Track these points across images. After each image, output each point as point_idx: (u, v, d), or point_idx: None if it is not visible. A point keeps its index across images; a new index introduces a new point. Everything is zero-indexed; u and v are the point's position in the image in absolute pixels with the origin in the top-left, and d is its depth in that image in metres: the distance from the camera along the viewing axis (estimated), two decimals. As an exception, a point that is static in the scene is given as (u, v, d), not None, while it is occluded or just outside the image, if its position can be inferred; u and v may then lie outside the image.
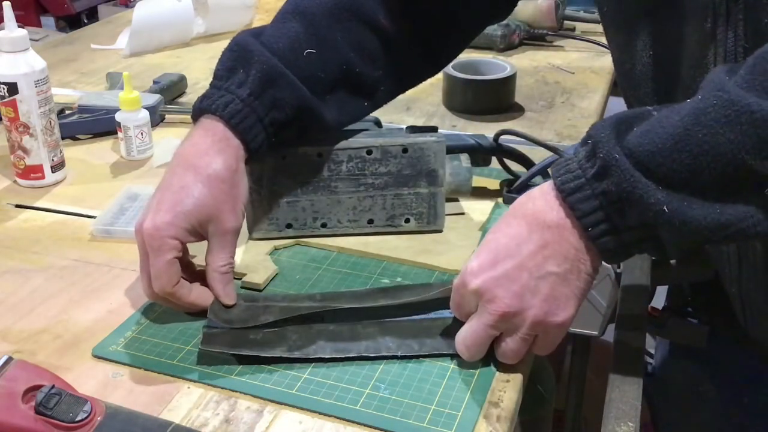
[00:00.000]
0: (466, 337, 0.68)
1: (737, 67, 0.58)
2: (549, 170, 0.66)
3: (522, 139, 0.98)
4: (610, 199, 0.60)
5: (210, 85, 0.79)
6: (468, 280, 0.67)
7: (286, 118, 0.78)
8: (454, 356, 0.71)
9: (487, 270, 0.65)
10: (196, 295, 0.74)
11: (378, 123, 0.94)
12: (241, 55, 0.78)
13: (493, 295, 0.65)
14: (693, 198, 0.57)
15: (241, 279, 0.81)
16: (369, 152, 0.85)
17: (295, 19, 0.81)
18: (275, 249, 0.87)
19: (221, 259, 0.74)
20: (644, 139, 0.58)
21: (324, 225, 0.88)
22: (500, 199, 0.97)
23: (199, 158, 0.74)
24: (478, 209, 0.93)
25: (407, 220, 0.89)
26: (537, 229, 0.64)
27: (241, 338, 0.72)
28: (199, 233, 0.74)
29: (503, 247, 0.66)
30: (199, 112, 0.78)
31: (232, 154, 0.75)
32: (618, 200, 0.59)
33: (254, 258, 0.85)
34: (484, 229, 0.91)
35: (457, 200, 0.93)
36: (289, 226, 0.88)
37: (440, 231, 0.89)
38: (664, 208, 0.57)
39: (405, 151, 0.86)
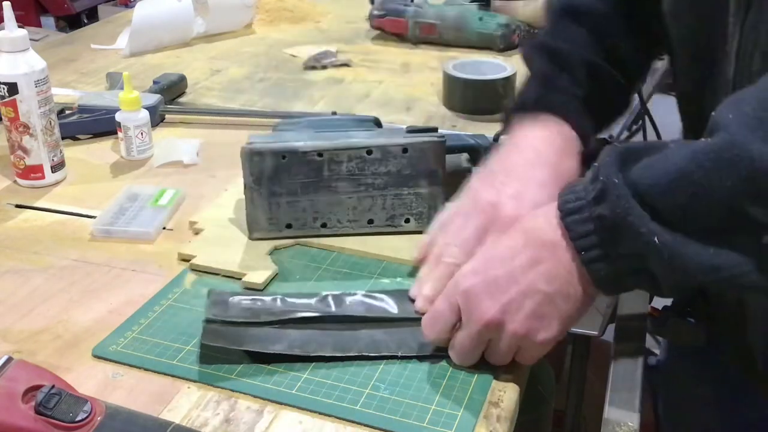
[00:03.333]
0: (455, 348, 0.69)
1: (745, 98, 0.56)
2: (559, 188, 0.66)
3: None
4: (605, 224, 0.59)
5: (535, 83, 0.83)
6: (460, 281, 0.67)
7: (610, 103, 0.84)
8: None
9: (480, 274, 0.66)
10: None
11: (378, 123, 0.94)
12: (556, 56, 0.82)
13: (479, 301, 0.65)
14: (687, 237, 0.56)
15: (240, 279, 0.81)
16: (369, 152, 0.85)
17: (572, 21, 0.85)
18: (275, 249, 0.87)
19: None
20: (647, 170, 0.57)
21: (324, 225, 0.88)
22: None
23: (557, 158, 0.78)
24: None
25: (407, 220, 0.89)
26: (532, 245, 0.64)
27: (242, 334, 0.72)
28: None
29: (498, 256, 0.66)
30: (534, 107, 0.81)
31: (577, 157, 0.79)
32: (612, 226, 0.59)
33: (254, 258, 0.85)
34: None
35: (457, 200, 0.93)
36: (289, 226, 0.88)
37: None
38: (656, 239, 0.56)
39: (405, 151, 0.86)
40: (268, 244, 0.87)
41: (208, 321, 0.72)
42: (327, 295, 0.77)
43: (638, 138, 2.58)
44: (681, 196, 0.55)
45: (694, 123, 0.78)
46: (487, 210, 0.76)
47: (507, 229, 0.68)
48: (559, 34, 0.84)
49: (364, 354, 0.71)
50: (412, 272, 0.83)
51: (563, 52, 0.82)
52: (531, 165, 0.77)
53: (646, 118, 2.21)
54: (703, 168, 0.54)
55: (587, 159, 0.80)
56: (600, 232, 0.60)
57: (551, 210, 0.64)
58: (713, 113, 0.57)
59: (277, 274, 0.83)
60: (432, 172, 0.87)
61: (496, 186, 0.77)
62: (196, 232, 0.90)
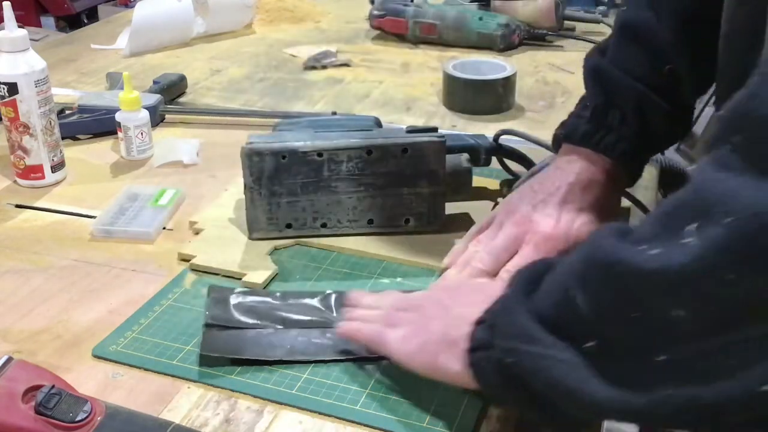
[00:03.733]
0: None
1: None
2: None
3: (522, 139, 0.98)
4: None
5: (587, 115, 0.82)
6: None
7: (661, 138, 0.84)
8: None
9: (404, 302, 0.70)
10: None
11: (378, 123, 0.94)
12: (608, 86, 0.81)
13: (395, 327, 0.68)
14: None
15: (240, 279, 0.81)
16: (369, 152, 0.85)
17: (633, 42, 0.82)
18: (275, 249, 0.87)
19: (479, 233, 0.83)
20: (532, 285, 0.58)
21: (324, 225, 0.88)
22: (501, 199, 0.97)
23: (599, 191, 0.80)
24: (478, 209, 0.93)
25: (407, 221, 0.89)
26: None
27: (242, 338, 0.72)
28: None
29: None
30: (581, 142, 0.82)
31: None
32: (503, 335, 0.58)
33: (254, 258, 0.85)
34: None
35: (457, 200, 0.93)
36: (288, 226, 0.88)
37: (440, 231, 0.89)
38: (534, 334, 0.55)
39: (405, 151, 0.86)
40: (268, 244, 0.87)
41: (207, 325, 0.72)
42: (330, 294, 0.77)
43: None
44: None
45: None
46: (521, 223, 0.78)
47: (543, 245, 0.70)
48: (616, 56, 0.82)
49: (364, 355, 0.71)
50: (413, 272, 0.83)
51: (616, 82, 0.80)
52: (572, 191, 0.79)
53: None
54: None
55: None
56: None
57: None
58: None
59: (277, 274, 0.83)
60: (432, 172, 0.87)
61: (535, 203, 0.79)
62: (196, 232, 0.90)
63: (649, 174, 1.00)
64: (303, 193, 0.86)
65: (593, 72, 0.83)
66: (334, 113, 1.20)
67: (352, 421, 0.64)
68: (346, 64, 1.46)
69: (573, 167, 0.81)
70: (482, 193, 0.97)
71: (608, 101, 0.81)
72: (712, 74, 0.82)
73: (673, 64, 0.79)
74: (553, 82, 1.38)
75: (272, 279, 0.82)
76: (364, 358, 0.71)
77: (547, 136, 0.92)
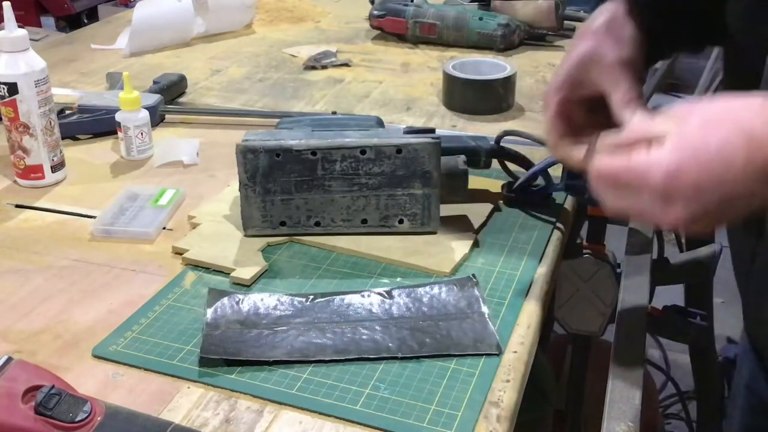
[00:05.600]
0: (615, 205, 0.63)
1: None
2: None
3: (521, 139, 0.98)
4: None
5: None
6: (657, 176, 0.59)
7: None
8: (454, 356, 0.71)
9: (684, 178, 0.58)
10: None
11: (380, 123, 0.94)
12: None
13: (674, 206, 0.59)
14: None
15: (229, 275, 0.82)
16: (363, 152, 0.85)
17: None
18: (268, 246, 0.87)
19: (617, 93, 0.71)
20: None
21: (318, 224, 0.88)
22: (500, 202, 0.97)
23: (584, 25, 0.75)
24: (476, 212, 0.93)
25: (401, 221, 0.89)
26: (756, 161, 0.56)
27: (240, 340, 0.72)
28: (587, 82, 0.73)
29: (711, 164, 0.57)
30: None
31: (611, 8, 0.74)
32: None
33: (245, 254, 0.85)
34: (480, 232, 0.91)
35: (454, 202, 0.93)
36: (282, 223, 0.88)
37: (434, 233, 0.89)
38: None
39: (399, 151, 0.86)
40: (261, 241, 0.87)
41: (206, 332, 0.72)
42: (331, 299, 0.78)
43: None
44: None
45: None
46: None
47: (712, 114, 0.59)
48: None
49: (364, 356, 0.71)
50: (414, 273, 0.83)
51: None
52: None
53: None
54: None
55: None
56: None
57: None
58: None
59: (266, 270, 0.83)
60: (426, 174, 0.87)
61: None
62: (193, 226, 0.90)
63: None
64: (297, 192, 0.86)
65: None
66: (334, 113, 1.20)
67: (352, 421, 0.64)
68: (346, 64, 1.46)
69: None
70: (482, 195, 0.97)
71: None
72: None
73: None
74: (553, 82, 1.38)
75: (261, 275, 0.82)
76: (365, 358, 0.71)
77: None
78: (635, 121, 0.65)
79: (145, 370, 0.69)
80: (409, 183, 0.87)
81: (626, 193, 0.61)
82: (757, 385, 0.84)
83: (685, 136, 0.58)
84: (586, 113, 0.75)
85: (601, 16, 0.75)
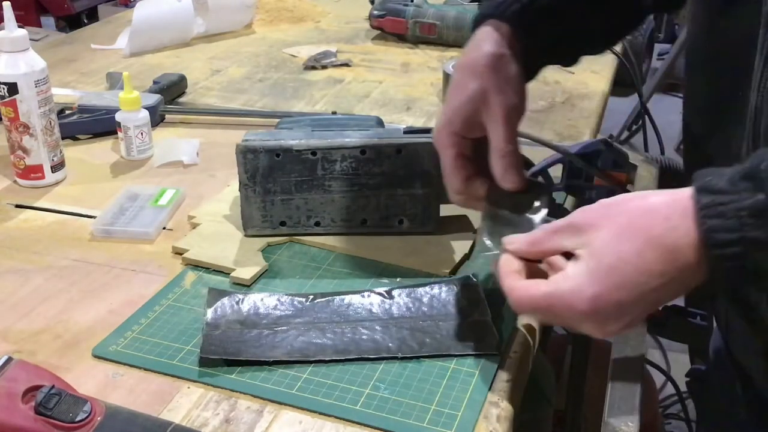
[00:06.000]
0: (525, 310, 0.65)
1: None
2: (693, 184, 0.57)
3: (521, 139, 0.98)
4: (759, 248, 0.53)
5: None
6: (581, 304, 0.59)
7: (560, 17, 0.77)
8: (454, 356, 0.71)
9: (606, 300, 0.59)
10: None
11: (381, 123, 0.94)
12: None
13: (605, 325, 0.60)
14: None
15: (229, 275, 0.82)
16: (363, 152, 0.85)
17: None
18: (268, 245, 0.87)
19: (498, 142, 0.73)
20: None
21: (318, 224, 0.88)
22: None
23: (468, 54, 0.75)
24: (477, 212, 0.93)
25: (401, 221, 0.89)
26: (671, 270, 0.57)
27: (240, 340, 0.72)
28: (476, 124, 0.74)
29: (629, 281, 0.58)
30: (476, 22, 0.78)
31: (498, 39, 0.75)
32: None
33: (245, 254, 0.85)
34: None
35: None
36: (282, 223, 0.88)
37: (434, 233, 0.89)
38: None
39: (399, 151, 0.86)
40: (261, 241, 0.87)
41: (206, 333, 0.72)
42: (331, 299, 0.78)
43: (638, 137, 2.58)
44: None
45: (701, 118, 0.77)
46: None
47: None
48: None
49: (364, 356, 0.71)
50: (414, 273, 0.83)
51: None
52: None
53: (646, 117, 2.22)
54: None
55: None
56: (756, 277, 0.54)
57: (693, 229, 0.55)
58: None
59: (266, 270, 0.83)
60: (426, 174, 0.86)
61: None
62: (193, 226, 0.90)
63: (649, 173, 1.00)
64: (297, 192, 0.86)
65: None
66: (334, 113, 1.20)
67: (352, 421, 0.64)
68: (346, 64, 1.46)
69: (465, 52, 0.77)
70: (482, 194, 0.97)
71: None
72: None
73: None
74: (553, 82, 1.38)
75: (261, 275, 0.82)
76: (365, 358, 0.71)
77: (547, 136, 0.92)
78: (540, 235, 0.64)
79: (145, 370, 0.69)
80: (409, 183, 0.87)
81: (551, 316, 0.63)
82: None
83: (599, 254, 0.59)
84: (472, 154, 0.75)
85: (485, 44, 0.75)
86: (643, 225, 0.58)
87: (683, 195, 0.56)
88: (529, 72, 0.79)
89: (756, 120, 0.64)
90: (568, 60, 0.86)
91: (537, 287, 0.62)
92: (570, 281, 0.60)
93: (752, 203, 0.53)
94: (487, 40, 0.75)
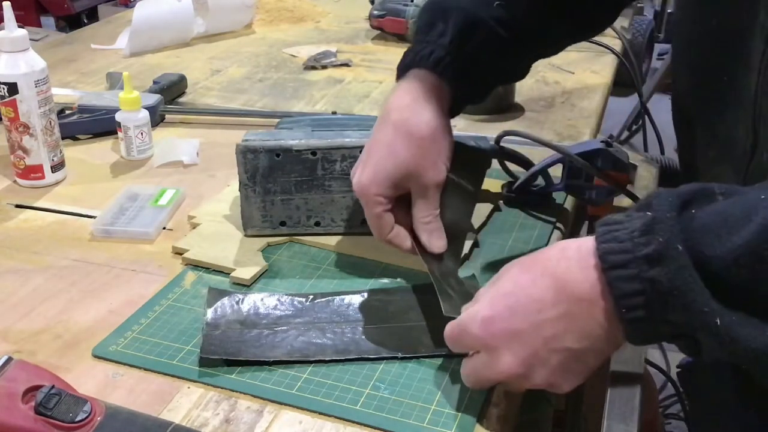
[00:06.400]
0: (469, 377, 0.65)
1: None
2: (596, 228, 0.58)
3: (521, 139, 0.98)
4: (658, 290, 0.53)
5: (413, 42, 0.82)
6: (474, 327, 0.62)
7: (488, 61, 0.80)
8: (454, 356, 0.71)
9: (499, 324, 0.61)
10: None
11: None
12: (438, 9, 0.80)
13: (499, 354, 0.61)
14: (747, 317, 0.51)
15: (229, 275, 0.82)
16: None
17: None
18: (268, 245, 0.87)
19: (423, 212, 0.77)
20: (709, 238, 0.52)
21: (318, 224, 0.88)
22: (501, 202, 0.97)
23: (403, 113, 0.77)
24: (476, 212, 0.93)
25: None
26: (564, 299, 0.58)
27: (240, 340, 0.72)
28: (403, 187, 0.77)
29: (522, 307, 0.60)
30: (404, 69, 0.80)
31: (437, 107, 0.77)
32: (666, 293, 0.53)
33: (245, 254, 0.85)
34: (480, 231, 0.91)
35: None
36: (282, 223, 0.88)
37: None
38: (717, 320, 0.51)
39: None
40: (261, 241, 0.87)
41: (206, 332, 0.72)
42: (330, 299, 0.78)
43: (638, 137, 2.57)
44: (746, 273, 0.51)
45: (693, 121, 0.77)
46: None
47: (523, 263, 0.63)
48: None
49: (364, 356, 0.71)
50: (414, 273, 0.83)
51: (446, 5, 0.80)
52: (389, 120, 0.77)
53: (646, 117, 2.21)
54: None
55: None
56: (650, 294, 0.54)
57: (587, 255, 0.57)
58: None
59: (266, 270, 0.83)
60: None
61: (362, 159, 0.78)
62: (194, 226, 0.90)
63: (649, 173, 1.00)
64: (297, 192, 0.87)
65: (425, 4, 0.84)
66: (334, 113, 1.20)
67: (352, 421, 0.64)
68: (346, 64, 1.46)
69: (396, 103, 0.78)
70: (482, 195, 0.97)
71: (433, 21, 0.80)
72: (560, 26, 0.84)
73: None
74: (553, 82, 1.38)
75: (261, 275, 0.82)
76: (365, 358, 0.71)
77: (547, 136, 0.92)
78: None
79: (145, 370, 0.69)
80: None
81: (459, 347, 0.66)
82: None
83: (499, 287, 0.63)
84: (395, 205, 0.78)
85: (423, 109, 0.76)
86: (542, 258, 0.61)
87: (588, 237, 0.59)
88: (452, 114, 0.82)
89: (757, 101, 0.64)
90: (485, 96, 0.88)
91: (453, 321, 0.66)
92: (470, 310, 0.64)
93: (643, 222, 0.54)
94: (422, 100, 0.77)
